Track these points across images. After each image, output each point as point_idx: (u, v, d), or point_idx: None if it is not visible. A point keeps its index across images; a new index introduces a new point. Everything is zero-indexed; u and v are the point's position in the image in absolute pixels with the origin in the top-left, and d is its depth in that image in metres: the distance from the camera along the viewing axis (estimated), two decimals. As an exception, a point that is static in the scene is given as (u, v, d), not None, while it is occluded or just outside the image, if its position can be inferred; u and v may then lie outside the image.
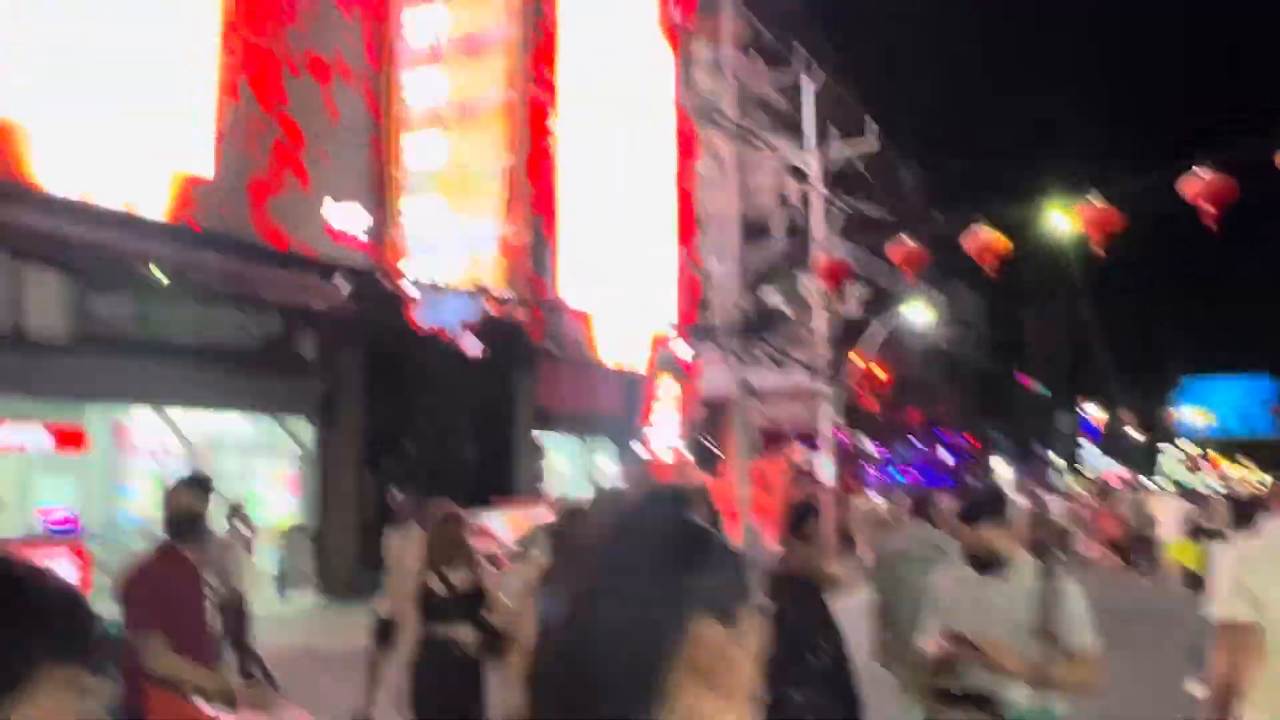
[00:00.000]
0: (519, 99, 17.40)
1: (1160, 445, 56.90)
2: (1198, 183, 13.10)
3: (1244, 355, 56.90)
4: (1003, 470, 39.86)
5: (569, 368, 18.14)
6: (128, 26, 13.75)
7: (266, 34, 15.79)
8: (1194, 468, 55.01)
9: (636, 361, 20.24)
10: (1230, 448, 56.56)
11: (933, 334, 28.28)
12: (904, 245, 16.08)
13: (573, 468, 20.31)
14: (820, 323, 21.22)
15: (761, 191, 27.30)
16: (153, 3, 14.14)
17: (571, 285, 18.23)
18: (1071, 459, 47.65)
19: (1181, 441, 57.74)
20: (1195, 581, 9.37)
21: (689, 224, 22.82)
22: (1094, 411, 49.43)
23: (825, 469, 20.56)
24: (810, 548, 5.18)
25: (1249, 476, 47.34)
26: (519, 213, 17.09)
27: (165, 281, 11.55)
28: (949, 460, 37.16)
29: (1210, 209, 12.95)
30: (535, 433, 17.80)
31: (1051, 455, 45.44)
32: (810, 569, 5.12)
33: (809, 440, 24.89)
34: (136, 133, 13.75)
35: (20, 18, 12.27)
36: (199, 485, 4.31)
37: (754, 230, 26.62)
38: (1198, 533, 10.44)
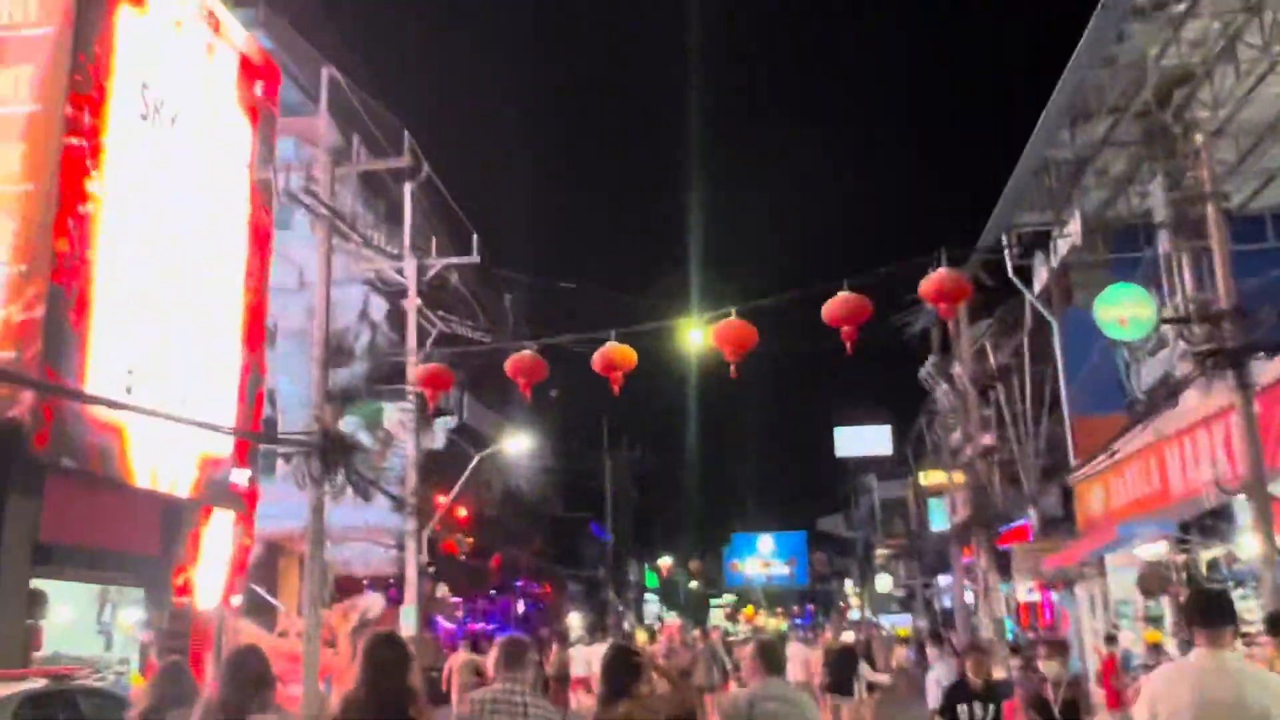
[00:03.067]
0: (52, 117, 13.52)
1: (710, 597, 59.36)
2: (838, 302, 12.67)
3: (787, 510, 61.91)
4: (575, 623, 38.63)
5: (86, 488, 14.03)
6: None
7: None
8: (731, 618, 57.87)
9: (180, 485, 16.34)
10: (758, 599, 60.55)
11: (522, 470, 26.57)
12: (523, 358, 14.33)
13: (83, 624, 15.69)
14: (410, 451, 18.69)
15: (343, 307, 24.52)
16: None
17: (102, 384, 14.16)
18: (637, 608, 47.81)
19: (725, 594, 60.79)
20: None
21: (258, 330, 19.47)
22: (662, 561, 50.34)
23: (408, 620, 17.65)
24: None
25: (775, 624, 50.35)
26: (37, 278, 13.07)
27: None
28: (523, 611, 35.31)
29: (849, 329, 12.48)
30: (32, 580, 13.38)
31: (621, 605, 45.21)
32: None
33: (386, 587, 21.84)
34: None
35: None
36: None
37: (334, 351, 23.64)
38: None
